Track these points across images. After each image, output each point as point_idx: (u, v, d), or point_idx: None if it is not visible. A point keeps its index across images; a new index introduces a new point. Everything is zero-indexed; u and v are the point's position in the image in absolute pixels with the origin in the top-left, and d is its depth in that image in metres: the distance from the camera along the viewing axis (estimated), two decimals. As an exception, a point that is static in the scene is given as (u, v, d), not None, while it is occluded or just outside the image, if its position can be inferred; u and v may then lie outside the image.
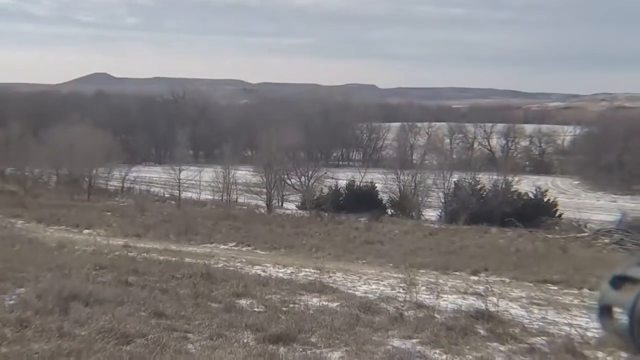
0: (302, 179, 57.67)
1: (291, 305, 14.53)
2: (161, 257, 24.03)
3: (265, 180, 59.34)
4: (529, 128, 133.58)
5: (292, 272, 23.25)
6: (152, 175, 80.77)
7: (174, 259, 23.63)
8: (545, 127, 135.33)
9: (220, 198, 63.00)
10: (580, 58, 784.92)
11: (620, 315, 1.79)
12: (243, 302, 14.47)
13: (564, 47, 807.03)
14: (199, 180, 67.72)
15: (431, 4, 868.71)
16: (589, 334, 12.88)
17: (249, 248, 32.16)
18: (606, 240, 39.95)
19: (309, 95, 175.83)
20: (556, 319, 15.20)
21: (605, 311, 1.85)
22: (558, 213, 50.80)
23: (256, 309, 13.71)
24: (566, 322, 13.90)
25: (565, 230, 44.19)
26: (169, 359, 9.12)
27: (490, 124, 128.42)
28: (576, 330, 12.82)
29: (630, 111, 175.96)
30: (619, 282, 1.84)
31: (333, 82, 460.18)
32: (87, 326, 10.13)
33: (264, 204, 58.52)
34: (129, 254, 24.80)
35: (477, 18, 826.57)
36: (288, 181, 60.47)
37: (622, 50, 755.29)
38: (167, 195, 66.86)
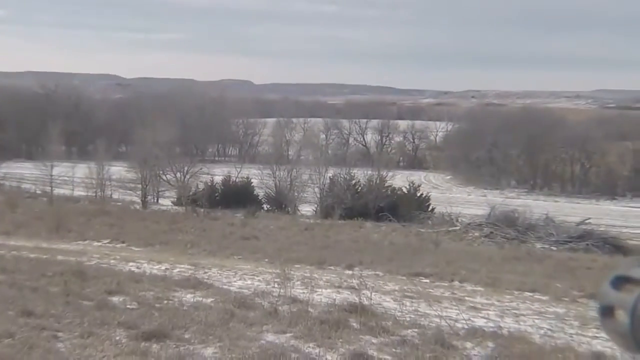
0: (178, 174, 56.89)
1: (165, 302, 14.42)
2: (32, 255, 23.43)
3: (140, 176, 58.54)
4: (402, 124, 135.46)
5: (166, 269, 23.02)
6: (23, 172, 78.21)
7: (45, 256, 23.11)
8: (418, 123, 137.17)
9: (94, 194, 61.82)
10: (451, 56, 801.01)
11: (622, 316, 1.81)
12: (116, 299, 14.27)
13: (434, 45, 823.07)
14: (72, 177, 66.18)
15: (304, 0, 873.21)
16: (459, 325, 13.26)
17: (123, 245, 31.64)
18: (476, 234, 41.06)
19: (184, 91, 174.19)
20: (427, 311, 15.52)
21: (606, 312, 1.87)
22: (431, 207, 51.77)
23: (129, 306, 13.55)
24: (437, 314, 14.21)
25: (437, 224, 45.10)
26: (37, 358, 8.93)
27: (365, 120, 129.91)
28: (446, 322, 13.16)
29: (498, 108, 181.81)
30: (620, 282, 1.86)
31: (208, 77, 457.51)
32: (-50, 327, 9.83)
33: (139, 200, 57.76)
34: (-3, 252, 24.14)
35: (350, 15, 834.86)
36: (163, 177, 59.62)
37: (490, 49, 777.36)
38: (39, 192, 65.17)
